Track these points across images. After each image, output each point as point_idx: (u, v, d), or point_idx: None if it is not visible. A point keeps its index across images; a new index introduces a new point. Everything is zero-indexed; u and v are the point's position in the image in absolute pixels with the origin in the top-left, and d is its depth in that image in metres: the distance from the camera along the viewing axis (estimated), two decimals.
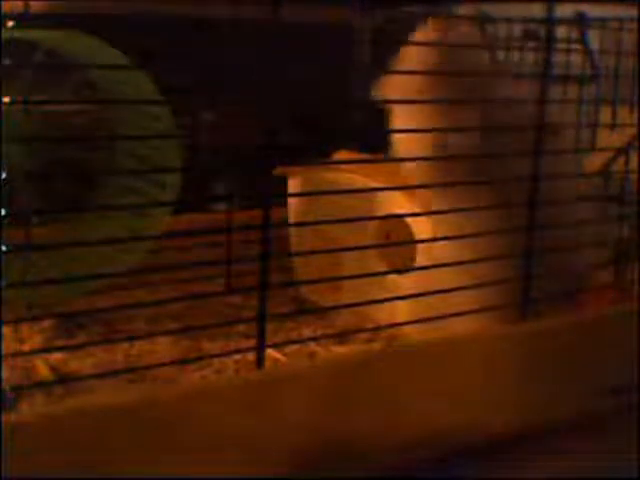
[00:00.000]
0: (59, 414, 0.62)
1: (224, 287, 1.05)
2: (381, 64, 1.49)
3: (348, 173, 1.03)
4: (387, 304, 0.86)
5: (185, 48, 1.23)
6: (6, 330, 0.93)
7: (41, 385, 0.82)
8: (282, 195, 1.05)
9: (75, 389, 0.80)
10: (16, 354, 0.87)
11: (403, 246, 0.98)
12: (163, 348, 0.93)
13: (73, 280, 0.87)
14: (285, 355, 0.85)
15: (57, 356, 0.89)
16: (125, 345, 0.92)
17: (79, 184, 1.06)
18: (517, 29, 1.32)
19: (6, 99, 1.03)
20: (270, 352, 0.78)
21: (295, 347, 0.89)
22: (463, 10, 1.49)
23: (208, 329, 0.89)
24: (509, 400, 0.82)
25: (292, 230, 1.08)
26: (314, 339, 0.89)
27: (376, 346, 0.90)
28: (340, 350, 0.90)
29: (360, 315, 0.94)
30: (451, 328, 0.83)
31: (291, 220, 1.09)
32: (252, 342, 0.74)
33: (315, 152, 1.02)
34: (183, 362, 0.87)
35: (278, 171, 1.04)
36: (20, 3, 1.15)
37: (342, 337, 0.91)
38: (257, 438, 0.70)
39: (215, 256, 0.99)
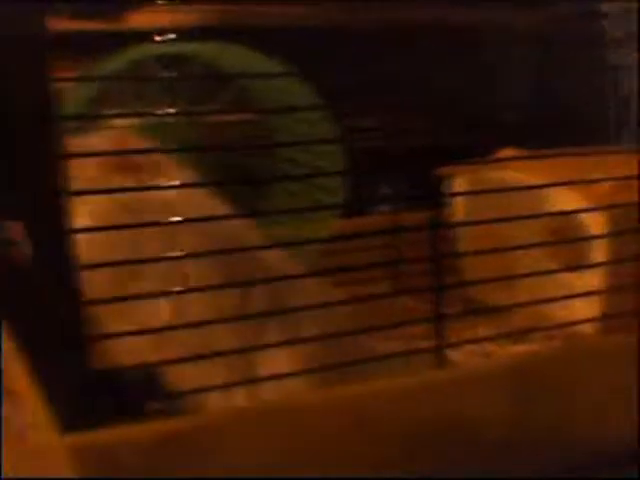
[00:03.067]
0: None
1: (394, 289, 1.04)
2: (540, 65, 1.48)
3: (514, 171, 1.01)
4: (564, 302, 0.84)
5: (340, 54, 1.23)
6: None
7: None
8: (448, 195, 1.04)
9: None
10: None
11: (575, 243, 0.96)
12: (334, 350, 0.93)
13: (246, 284, 0.88)
14: (462, 355, 0.84)
15: None
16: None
17: (247, 191, 1.07)
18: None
19: (171, 110, 1.06)
20: (449, 353, 0.77)
21: (471, 347, 0.88)
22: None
23: (382, 330, 0.89)
24: None
25: (459, 230, 1.07)
26: (491, 339, 0.87)
27: (554, 345, 0.88)
28: (517, 350, 0.89)
29: (536, 314, 0.92)
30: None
31: (458, 220, 1.08)
32: (426, 343, 0.73)
33: (479, 151, 1.01)
34: (357, 362, 0.86)
35: (443, 171, 1.03)
36: (178, 17, 1.17)
37: (519, 336, 0.90)
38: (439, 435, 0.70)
39: (382, 258, 0.98)
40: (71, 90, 0.97)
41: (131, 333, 0.64)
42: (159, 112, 1.07)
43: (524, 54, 1.47)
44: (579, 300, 0.90)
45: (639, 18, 1.12)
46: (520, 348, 0.89)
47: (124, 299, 0.66)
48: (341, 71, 1.12)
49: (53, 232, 0.61)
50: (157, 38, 1.09)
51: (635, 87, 1.39)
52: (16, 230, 0.58)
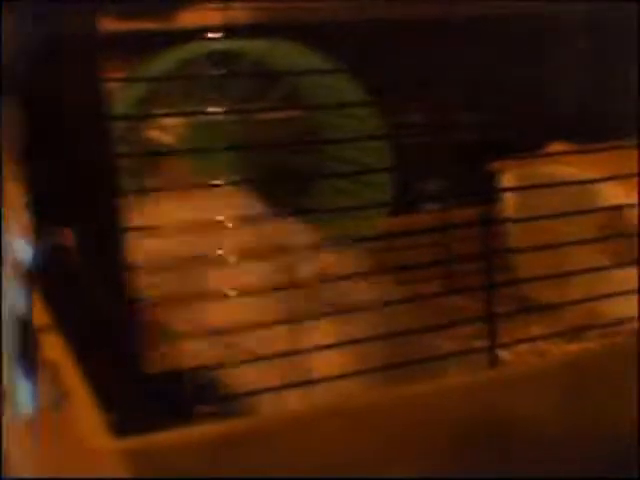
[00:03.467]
0: None
1: (444, 288, 1.03)
2: (589, 57, 1.46)
3: (564, 165, 1.00)
4: (618, 299, 0.83)
5: (392, 51, 1.23)
6: None
7: None
8: (497, 190, 1.03)
9: None
10: None
11: (628, 239, 0.94)
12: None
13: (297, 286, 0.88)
14: (515, 355, 0.84)
15: None
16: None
17: (294, 188, 1.07)
18: None
19: (220, 109, 1.06)
20: (500, 352, 0.77)
21: (524, 346, 0.87)
22: None
23: (434, 330, 0.88)
24: None
25: (510, 226, 1.06)
26: (544, 338, 0.86)
27: (609, 343, 0.87)
28: (572, 348, 0.87)
29: (589, 311, 0.91)
30: None
31: (508, 216, 1.07)
32: (478, 343, 0.72)
33: (528, 145, 1.00)
34: (411, 363, 0.86)
35: (492, 166, 1.02)
36: (228, 15, 1.17)
37: (573, 335, 0.88)
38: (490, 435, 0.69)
39: (432, 256, 0.98)
40: (121, 90, 0.98)
41: (188, 336, 0.64)
42: (208, 111, 1.08)
43: (573, 46, 1.45)
44: (634, 296, 0.88)
45: (639, 18, 1.11)
46: (574, 346, 0.88)
47: (182, 300, 0.66)
48: (389, 67, 1.12)
49: (106, 233, 0.61)
50: (208, 35, 1.09)
51: None
52: (66, 236, 0.59)
